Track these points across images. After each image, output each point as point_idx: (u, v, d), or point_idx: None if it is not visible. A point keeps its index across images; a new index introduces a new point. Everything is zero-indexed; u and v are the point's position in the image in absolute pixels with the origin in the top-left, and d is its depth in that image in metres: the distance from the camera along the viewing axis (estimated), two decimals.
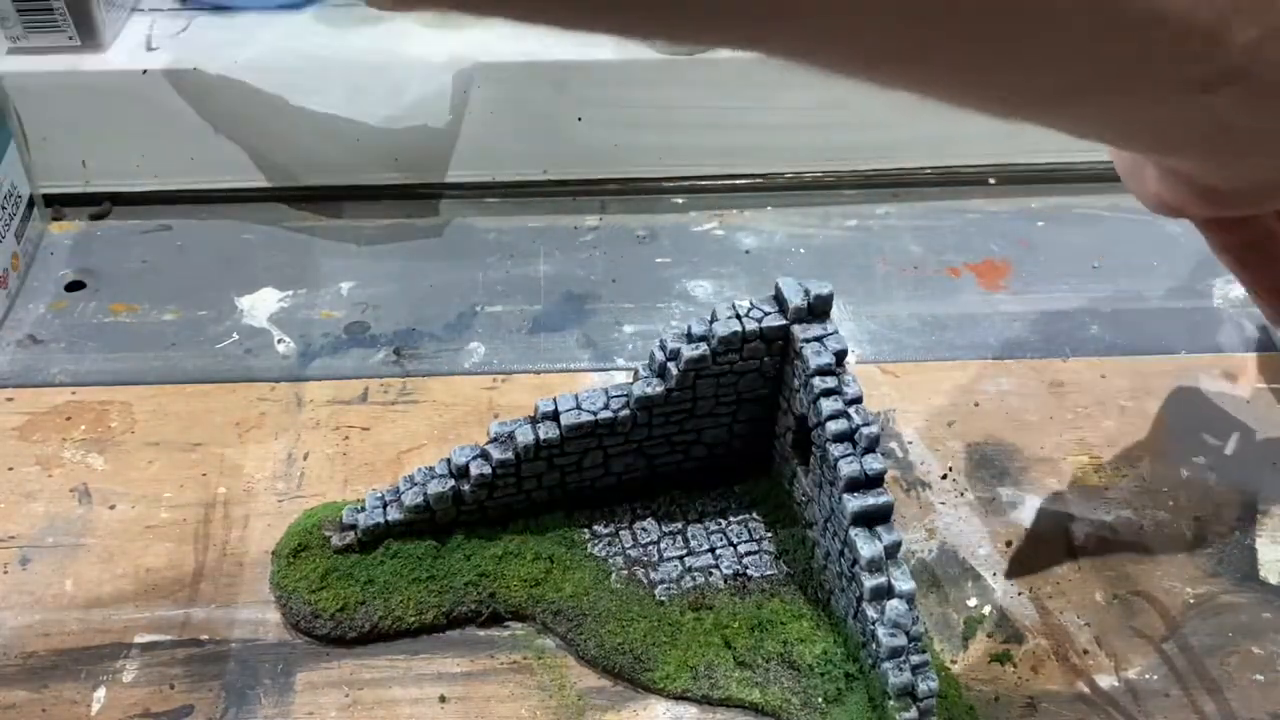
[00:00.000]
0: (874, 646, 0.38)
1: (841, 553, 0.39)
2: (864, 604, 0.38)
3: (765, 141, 0.64)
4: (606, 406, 0.42)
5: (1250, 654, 0.42)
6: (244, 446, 0.49)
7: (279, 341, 0.55)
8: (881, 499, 0.38)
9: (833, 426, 0.39)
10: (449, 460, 0.43)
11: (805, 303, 0.41)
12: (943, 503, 0.47)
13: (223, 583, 0.44)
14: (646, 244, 0.62)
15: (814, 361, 0.40)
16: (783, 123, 0.63)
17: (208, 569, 0.44)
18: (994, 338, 0.56)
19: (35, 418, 0.50)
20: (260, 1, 0.64)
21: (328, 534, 0.44)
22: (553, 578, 0.43)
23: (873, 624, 0.38)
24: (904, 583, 0.38)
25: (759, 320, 0.41)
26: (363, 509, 0.43)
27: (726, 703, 0.40)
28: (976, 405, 0.52)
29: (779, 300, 0.42)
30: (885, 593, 0.38)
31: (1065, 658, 0.42)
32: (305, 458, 0.49)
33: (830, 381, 0.40)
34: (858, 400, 0.39)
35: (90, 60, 0.59)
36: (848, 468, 0.38)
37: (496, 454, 0.42)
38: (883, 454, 0.51)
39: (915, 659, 0.38)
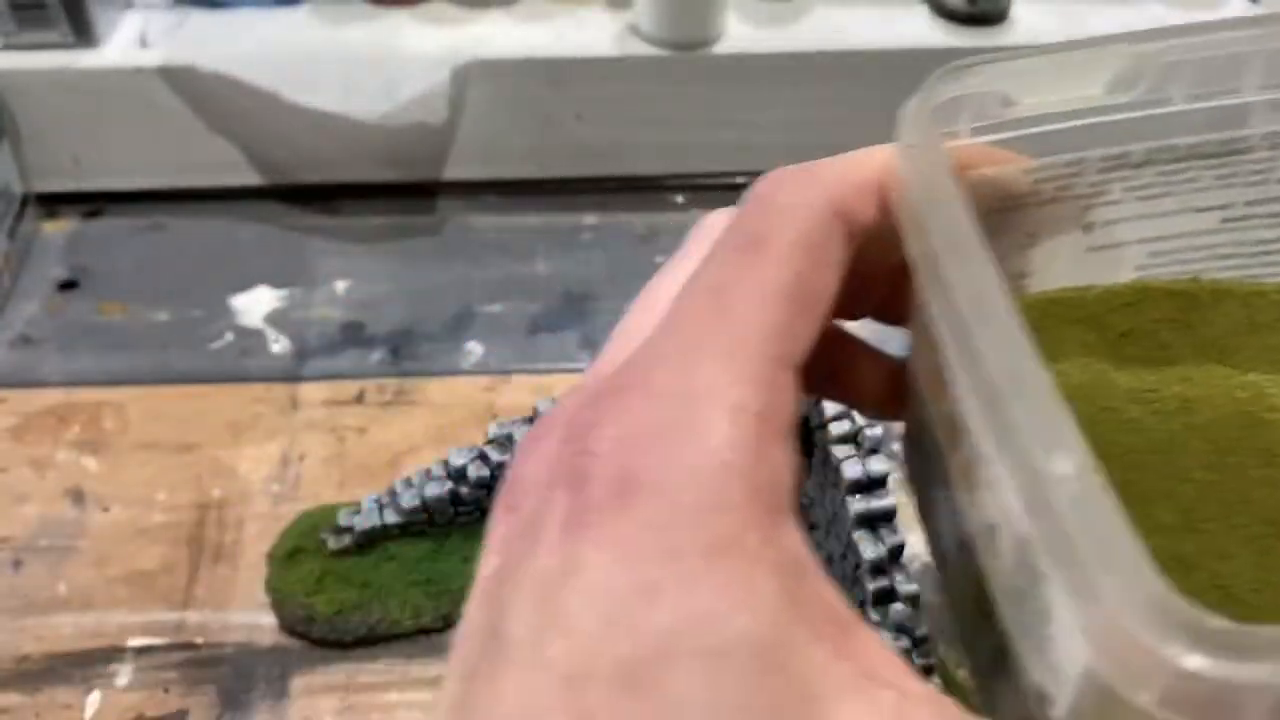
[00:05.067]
0: None
1: (844, 555, 0.39)
2: (867, 607, 0.38)
3: (766, 139, 0.63)
4: None
5: None
6: (239, 448, 0.48)
7: (274, 342, 0.54)
8: (885, 500, 0.38)
9: (836, 428, 0.38)
10: (446, 462, 0.42)
11: None
12: None
13: (217, 586, 0.43)
14: (646, 243, 0.61)
15: None
16: (784, 120, 0.63)
17: (202, 572, 0.44)
18: None
19: (28, 419, 0.50)
20: None
21: (323, 537, 0.43)
22: None
23: (875, 625, 0.37)
24: (907, 585, 0.37)
25: None
26: (359, 511, 0.43)
27: None
28: None
29: None
30: (889, 595, 0.37)
31: None
32: (301, 459, 0.48)
33: None
34: None
35: (83, 57, 0.59)
36: (851, 469, 0.38)
37: (495, 455, 0.42)
38: (886, 455, 0.51)
39: (920, 662, 0.37)
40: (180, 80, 0.59)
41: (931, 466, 0.21)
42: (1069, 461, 0.15)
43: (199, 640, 0.41)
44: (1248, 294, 0.22)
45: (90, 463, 0.48)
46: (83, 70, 0.58)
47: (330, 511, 0.44)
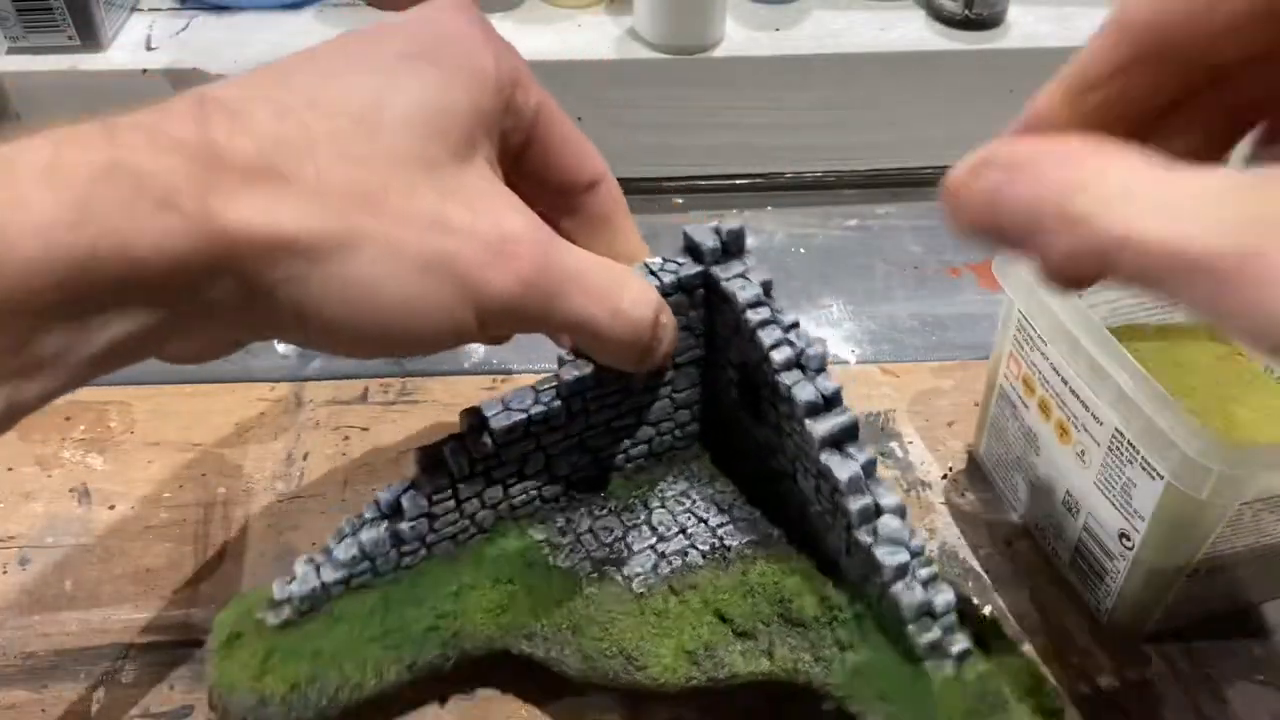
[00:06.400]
0: (876, 577, 0.35)
1: (818, 488, 0.37)
2: (854, 531, 0.35)
3: (765, 141, 0.64)
4: (536, 401, 0.39)
5: (1252, 654, 0.42)
6: (243, 447, 0.49)
7: (278, 341, 0.55)
8: (844, 416, 0.36)
9: (777, 356, 0.37)
10: (377, 502, 0.38)
11: (718, 242, 0.39)
12: (943, 503, 0.47)
13: (222, 584, 0.43)
14: (646, 244, 0.61)
15: (742, 297, 0.38)
16: (783, 123, 0.63)
17: (207, 569, 0.44)
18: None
19: (34, 417, 0.49)
20: (260, 1, 0.64)
21: (260, 616, 0.38)
22: (518, 601, 0.39)
23: (869, 547, 0.35)
24: (889, 498, 0.35)
25: (675, 273, 0.39)
26: (293, 579, 0.38)
27: (734, 680, 0.37)
28: (976, 405, 0.52)
29: (691, 250, 0.40)
30: (873, 512, 0.35)
31: (1065, 658, 0.42)
32: (305, 458, 0.49)
33: (763, 313, 0.37)
34: (795, 326, 0.37)
35: (90, 60, 0.59)
36: (803, 392, 0.36)
37: (427, 482, 0.38)
38: (882, 454, 0.51)
39: (922, 573, 0.35)
40: (186, 83, 0.59)
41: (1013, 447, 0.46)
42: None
43: (204, 637, 0.42)
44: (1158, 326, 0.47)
45: (96, 461, 0.48)
46: (89, 73, 0.59)
47: (264, 591, 0.39)
